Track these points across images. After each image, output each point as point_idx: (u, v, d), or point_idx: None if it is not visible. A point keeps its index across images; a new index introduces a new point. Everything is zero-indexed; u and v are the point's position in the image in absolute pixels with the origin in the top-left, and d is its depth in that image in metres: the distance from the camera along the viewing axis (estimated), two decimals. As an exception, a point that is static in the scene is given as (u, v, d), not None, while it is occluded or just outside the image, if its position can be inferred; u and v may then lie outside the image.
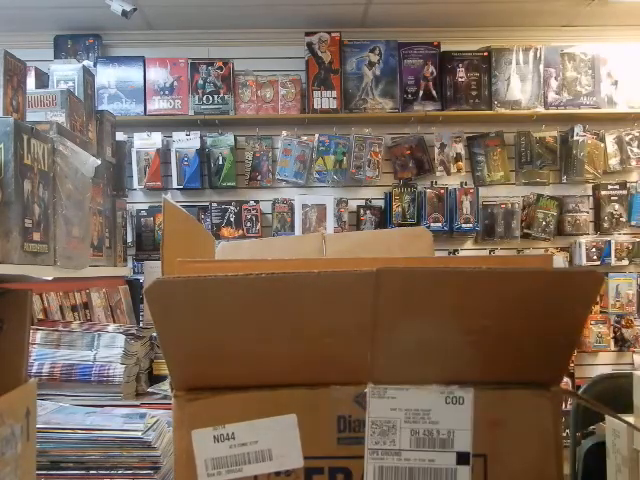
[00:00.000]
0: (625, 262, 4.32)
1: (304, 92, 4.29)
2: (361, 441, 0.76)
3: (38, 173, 1.86)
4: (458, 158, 4.33)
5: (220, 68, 4.24)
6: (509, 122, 4.36)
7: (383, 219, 4.32)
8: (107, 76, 4.22)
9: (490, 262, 0.80)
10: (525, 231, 4.36)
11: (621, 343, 4.34)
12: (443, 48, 4.33)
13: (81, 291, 2.70)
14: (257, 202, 4.28)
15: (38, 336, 1.83)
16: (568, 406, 3.11)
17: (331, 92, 4.25)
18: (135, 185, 4.20)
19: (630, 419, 1.64)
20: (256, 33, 4.32)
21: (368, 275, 0.71)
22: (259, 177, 4.30)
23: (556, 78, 4.33)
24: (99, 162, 2.41)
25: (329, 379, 0.77)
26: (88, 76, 2.75)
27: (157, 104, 4.23)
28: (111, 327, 1.95)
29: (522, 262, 1.05)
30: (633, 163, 4.36)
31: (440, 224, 4.24)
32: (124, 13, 3.69)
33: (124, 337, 1.84)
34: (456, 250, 4.38)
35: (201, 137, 4.25)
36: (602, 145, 4.34)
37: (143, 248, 4.25)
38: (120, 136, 3.53)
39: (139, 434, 1.28)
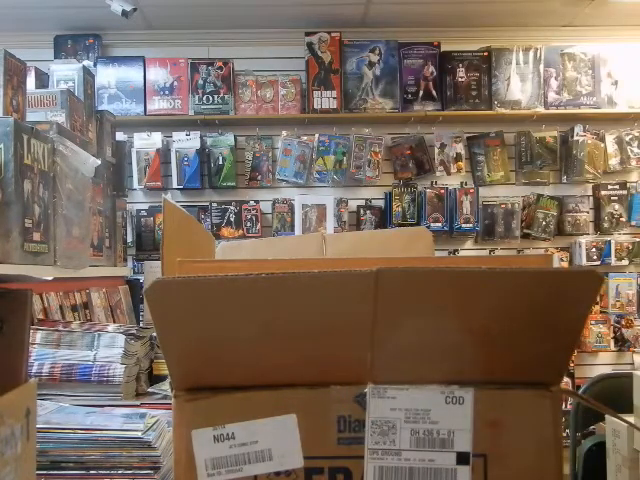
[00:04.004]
0: (625, 262, 4.32)
1: (304, 92, 4.30)
2: (361, 441, 0.76)
3: (38, 173, 1.86)
4: (458, 158, 4.34)
5: (220, 68, 4.24)
6: (509, 122, 4.37)
7: (383, 219, 4.32)
8: (107, 76, 4.22)
9: (490, 262, 0.80)
10: (525, 231, 4.36)
11: (621, 343, 4.34)
12: (443, 48, 4.33)
13: (81, 291, 2.70)
14: (257, 202, 4.28)
15: (38, 336, 1.83)
16: (568, 406, 3.12)
17: (331, 92, 4.25)
18: (135, 185, 4.20)
19: (630, 419, 1.64)
20: (256, 33, 4.32)
21: (368, 275, 0.71)
22: (259, 177, 4.30)
23: (556, 78, 4.33)
24: (99, 162, 2.41)
25: (329, 379, 0.77)
26: (88, 76, 2.75)
27: (157, 104, 4.23)
28: (111, 327, 1.94)
29: (522, 262, 1.05)
30: (633, 163, 4.36)
31: (440, 224, 4.24)
32: (124, 13, 3.69)
33: (124, 337, 1.84)
34: (456, 250, 4.38)
35: (201, 137, 4.25)
36: (602, 145, 4.34)
37: (143, 248, 4.25)
38: (120, 136, 3.53)
39: (139, 434, 1.28)
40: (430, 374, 0.76)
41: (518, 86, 4.29)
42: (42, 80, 2.97)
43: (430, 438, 0.76)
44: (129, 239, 4.02)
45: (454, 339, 0.75)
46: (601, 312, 4.35)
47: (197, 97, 4.23)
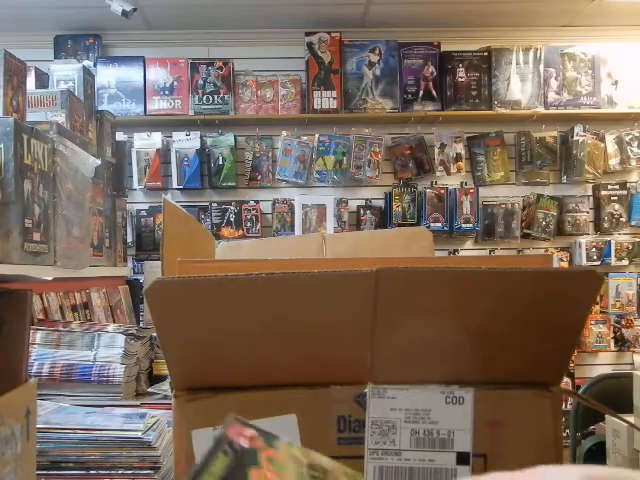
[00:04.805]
0: (625, 262, 4.32)
1: (304, 92, 4.30)
2: (361, 441, 0.76)
3: (38, 173, 1.86)
4: (458, 158, 4.34)
5: (220, 68, 4.24)
6: (509, 122, 4.37)
7: (383, 219, 4.32)
8: (107, 76, 4.22)
9: (490, 262, 0.80)
10: (525, 231, 4.36)
11: (621, 343, 4.35)
12: (443, 48, 4.33)
13: (81, 291, 2.70)
14: (257, 202, 4.28)
15: (38, 336, 1.82)
16: (568, 406, 3.12)
17: (331, 92, 4.25)
18: (135, 185, 4.20)
19: (630, 419, 1.64)
20: (256, 33, 4.32)
21: (368, 275, 0.71)
22: (259, 177, 4.30)
23: (556, 78, 4.33)
24: (99, 162, 2.41)
25: (329, 379, 0.77)
26: (88, 76, 2.75)
27: (157, 104, 4.23)
28: (111, 327, 1.94)
29: (522, 262, 1.05)
30: (633, 163, 4.36)
31: (440, 224, 4.24)
32: (124, 13, 3.69)
33: (124, 337, 1.84)
34: (456, 250, 4.38)
35: (201, 137, 4.25)
36: (602, 145, 4.34)
37: (143, 248, 4.25)
38: (120, 136, 3.53)
39: (139, 434, 1.28)
40: (430, 374, 0.76)
41: (518, 86, 4.29)
42: (42, 80, 2.98)
43: (430, 438, 0.76)
44: (129, 239, 4.02)
45: (454, 339, 0.75)
46: (601, 312, 4.35)
47: (197, 97, 4.23)
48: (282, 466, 0.43)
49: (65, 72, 2.68)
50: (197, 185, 4.24)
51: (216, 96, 4.23)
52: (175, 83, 4.24)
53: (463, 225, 4.25)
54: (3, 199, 1.70)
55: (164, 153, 4.27)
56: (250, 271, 0.71)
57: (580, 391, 2.72)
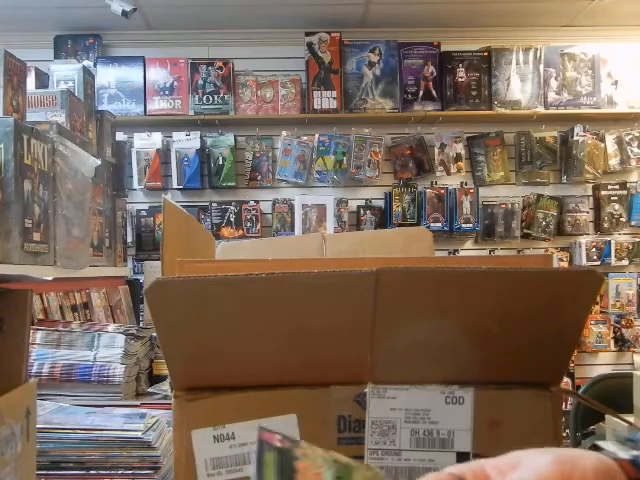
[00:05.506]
0: (625, 262, 4.32)
1: (304, 92, 4.30)
2: (361, 441, 0.76)
3: (38, 173, 1.86)
4: (458, 158, 4.33)
5: (220, 68, 4.24)
6: (509, 122, 4.37)
7: (383, 219, 4.32)
8: (107, 76, 4.22)
9: (490, 262, 0.80)
10: (525, 231, 4.36)
11: (621, 343, 4.35)
12: (443, 48, 4.33)
13: (81, 291, 2.70)
14: (257, 202, 4.28)
15: (38, 336, 1.82)
16: (568, 406, 3.12)
17: (331, 92, 4.25)
18: (135, 185, 4.20)
19: (630, 419, 1.64)
20: (256, 33, 4.32)
21: (368, 275, 0.71)
22: (259, 177, 4.30)
23: (556, 78, 4.33)
24: (99, 162, 2.41)
25: (329, 379, 0.77)
26: (88, 76, 2.75)
27: (157, 104, 4.23)
28: (111, 327, 1.94)
29: (522, 262, 1.05)
30: (633, 163, 4.36)
31: (440, 224, 4.24)
32: (124, 13, 3.69)
33: (124, 337, 1.84)
34: (456, 250, 4.38)
35: (201, 137, 4.25)
36: (602, 145, 4.34)
37: (143, 248, 4.25)
38: (120, 136, 3.53)
39: (139, 434, 1.28)
40: (430, 374, 0.76)
41: (518, 86, 4.29)
42: (42, 80, 2.97)
43: (430, 438, 0.76)
44: (129, 239, 4.01)
45: (454, 339, 0.75)
46: (601, 312, 4.35)
47: (197, 97, 4.23)
48: (316, 458, 0.48)
49: (65, 72, 2.68)
50: (197, 185, 4.24)
51: (216, 96, 4.23)
52: (175, 83, 4.24)
53: (463, 225, 4.25)
54: (3, 199, 1.70)
55: (164, 153, 4.27)
56: (250, 271, 0.71)
57: (580, 391, 2.72)
